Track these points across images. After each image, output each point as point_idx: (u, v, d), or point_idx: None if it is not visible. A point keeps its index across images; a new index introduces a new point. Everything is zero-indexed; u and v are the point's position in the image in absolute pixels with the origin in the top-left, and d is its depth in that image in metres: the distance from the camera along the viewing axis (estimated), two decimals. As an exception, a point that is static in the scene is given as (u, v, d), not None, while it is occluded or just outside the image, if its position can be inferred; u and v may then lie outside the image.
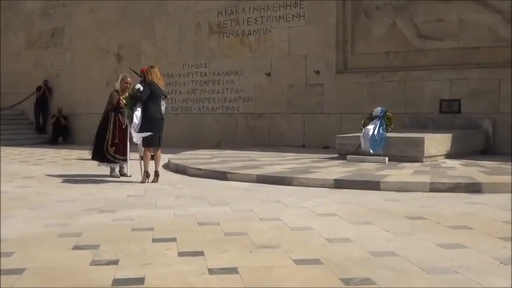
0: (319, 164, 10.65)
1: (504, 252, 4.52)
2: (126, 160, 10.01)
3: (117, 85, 10.07)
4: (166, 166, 11.55)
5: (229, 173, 9.63)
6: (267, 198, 7.52)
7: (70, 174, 10.35)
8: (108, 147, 9.80)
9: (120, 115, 9.84)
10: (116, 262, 4.31)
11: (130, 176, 9.92)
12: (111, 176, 9.96)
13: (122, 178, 9.83)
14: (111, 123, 9.83)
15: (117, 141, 9.82)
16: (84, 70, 19.32)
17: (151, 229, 5.49)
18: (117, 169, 10.07)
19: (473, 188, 7.92)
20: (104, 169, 10.11)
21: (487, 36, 13.26)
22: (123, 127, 9.83)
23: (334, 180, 8.53)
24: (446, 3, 13.71)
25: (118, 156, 9.90)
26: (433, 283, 3.79)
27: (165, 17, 17.76)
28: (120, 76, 10.22)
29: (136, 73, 13.55)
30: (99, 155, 9.96)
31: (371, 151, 10.58)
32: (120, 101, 9.76)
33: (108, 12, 18.88)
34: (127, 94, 9.63)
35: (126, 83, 9.99)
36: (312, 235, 5.24)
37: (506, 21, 13.03)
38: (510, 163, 10.45)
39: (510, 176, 8.66)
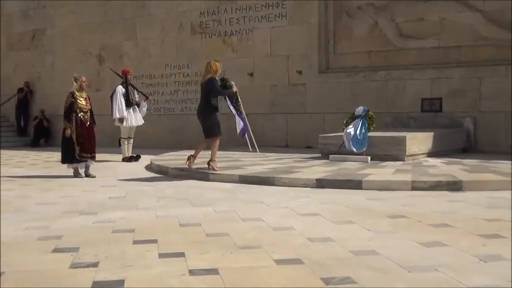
0: (302, 163, 10.65)
1: (484, 250, 4.54)
2: (93, 158, 10.23)
3: (75, 86, 10.19)
4: (149, 167, 11.52)
5: (212, 173, 9.60)
6: (249, 198, 7.51)
7: (51, 177, 10.28)
8: (75, 147, 9.92)
9: (82, 113, 10.06)
10: (95, 265, 4.28)
11: (94, 176, 9.98)
12: (75, 176, 10.02)
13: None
14: (73, 124, 9.98)
15: (81, 140, 9.99)
16: (66, 72, 19.09)
17: (132, 231, 5.46)
18: (81, 170, 10.14)
19: (455, 186, 7.96)
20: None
21: (468, 35, 13.34)
22: (86, 125, 10.10)
23: (317, 180, 8.53)
24: (427, 2, 13.78)
25: (84, 155, 10.07)
26: (414, 282, 3.79)
27: (147, 18, 17.70)
28: (74, 77, 10.29)
29: (118, 74, 13.57)
30: (68, 157, 10.06)
31: (354, 150, 10.59)
32: (78, 102, 10.03)
33: (89, 14, 18.76)
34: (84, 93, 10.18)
35: (84, 82, 10.25)
36: (294, 235, 5.23)
37: (487, 20, 13.11)
38: (491, 161, 10.52)
39: (491, 174, 8.72)
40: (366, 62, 14.56)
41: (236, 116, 10.84)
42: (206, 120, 9.72)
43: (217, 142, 9.82)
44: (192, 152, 9.97)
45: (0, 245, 4.85)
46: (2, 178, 9.93)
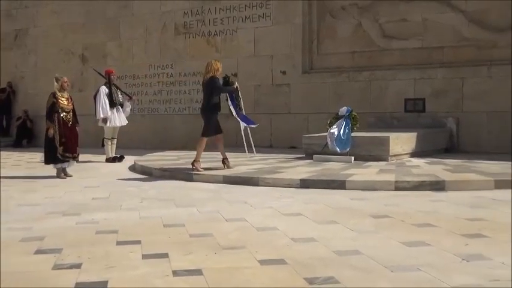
0: (286, 164, 10.67)
1: (466, 249, 4.57)
2: (76, 158, 10.29)
3: (56, 87, 10.23)
4: (132, 168, 11.49)
5: (196, 174, 9.60)
6: (233, 199, 7.51)
7: (34, 177, 10.23)
8: (58, 147, 9.94)
9: (64, 113, 10.11)
10: (78, 266, 4.27)
11: (71, 176, 10.04)
12: (58, 177, 10.02)
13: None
14: (56, 124, 10.00)
15: (64, 139, 10.02)
16: (49, 72, 18.98)
17: (116, 232, 5.44)
18: (66, 169, 10.18)
19: (437, 186, 8.01)
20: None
21: (451, 36, 13.42)
22: (69, 125, 10.14)
23: (301, 180, 8.55)
24: (410, 3, 13.85)
25: (67, 155, 10.11)
26: (397, 281, 3.81)
27: (130, 18, 17.64)
28: (56, 78, 10.32)
29: (101, 74, 13.52)
30: (51, 158, 10.04)
31: (338, 150, 10.62)
32: (60, 102, 10.08)
33: (72, 14, 18.66)
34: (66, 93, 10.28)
35: (65, 82, 10.30)
36: (278, 235, 5.24)
37: (469, 21, 13.20)
38: (474, 161, 10.60)
39: (473, 174, 8.78)
40: (349, 62, 14.60)
41: (236, 116, 10.88)
42: (205, 120, 9.93)
43: (204, 143, 9.92)
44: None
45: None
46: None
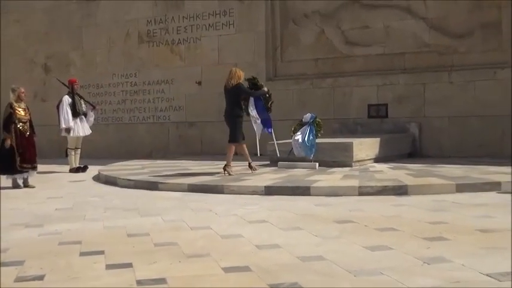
0: (251, 171, 10.68)
1: (428, 252, 4.64)
2: (34, 169, 10.25)
3: (12, 98, 10.22)
4: (97, 178, 11.41)
5: (161, 183, 9.57)
6: (198, 207, 7.51)
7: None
8: (15, 158, 9.91)
9: (21, 124, 10.10)
10: (41, 278, 4.22)
11: (34, 187, 9.94)
12: (14, 187, 9.98)
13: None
14: (13, 134, 9.97)
15: (21, 150, 9.99)
16: (11, 82, 18.77)
17: (79, 242, 5.40)
18: (20, 180, 10.07)
19: (400, 190, 8.11)
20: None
21: (412, 42, 13.62)
22: (26, 136, 10.13)
23: (265, 187, 8.58)
24: (372, 10, 14.02)
25: (25, 165, 10.06)
26: (359, 285, 3.86)
27: (93, 27, 17.53)
28: (12, 88, 10.33)
29: (64, 84, 13.39)
30: (6, 168, 10.00)
31: (302, 157, 10.68)
32: (16, 112, 10.09)
33: (35, 23, 18.44)
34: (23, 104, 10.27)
35: (22, 92, 10.29)
36: (242, 242, 5.26)
37: (430, 28, 13.41)
38: (435, 165, 10.75)
39: (434, 178, 8.91)
40: (313, 69, 14.71)
41: (255, 122, 10.66)
42: (234, 128, 10.28)
43: (233, 149, 10.32)
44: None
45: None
46: None
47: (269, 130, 10.98)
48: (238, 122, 10.30)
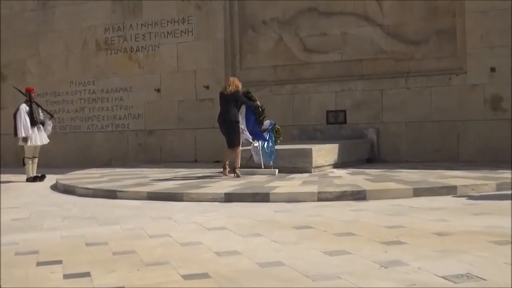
0: (211, 178, 10.70)
1: (385, 256, 4.69)
2: None
3: None
4: (54, 187, 11.27)
5: (119, 191, 9.49)
6: (158, 215, 7.47)
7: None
8: None
9: None
10: (-3, 289, 4.16)
11: None
12: None
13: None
14: None
15: None
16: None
17: (36, 252, 5.32)
18: None
19: (359, 195, 8.19)
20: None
21: (369, 49, 13.80)
22: None
23: (225, 194, 8.58)
24: (330, 17, 14.17)
25: None
26: (318, 290, 3.89)
27: (50, 34, 17.36)
28: None
29: (21, 92, 13.21)
30: None
31: (262, 163, 10.74)
32: None
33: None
34: None
35: None
36: (202, 250, 5.25)
37: (386, 34, 13.60)
38: (393, 170, 10.90)
39: (392, 183, 9.02)
40: (271, 76, 14.79)
41: (242, 132, 10.81)
42: (232, 131, 10.68)
43: (240, 150, 10.74)
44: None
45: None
46: None
47: (251, 140, 11.09)
48: (237, 127, 10.70)
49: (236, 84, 10.83)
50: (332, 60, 14.17)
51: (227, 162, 10.94)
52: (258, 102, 11.09)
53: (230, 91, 10.72)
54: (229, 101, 10.73)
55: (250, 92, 11.32)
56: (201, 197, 8.67)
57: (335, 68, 14.12)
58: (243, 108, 10.96)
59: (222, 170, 11.07)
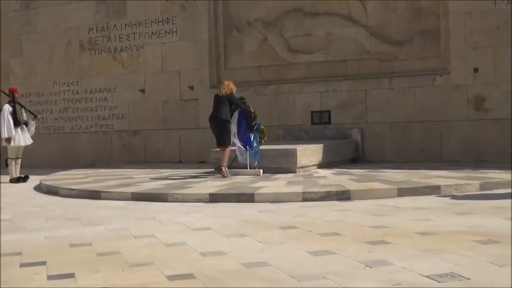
0: (195, 179, 10.68)
1: (370, 256, 4.70)
2: None
3: None
4: (38, 188, 11.20)
5: (104, 191, 9.45)
6: (142, 215, 7.45)
7: None
8: None
9: None
10: (-20, 290, 4.13)
11: None
12: None
13: None
14: None
15: None
16: None
17: (20, 254, 5.28)
18: None
19: (343, 195, 8.21)
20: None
21: (353, 49, 13.85)
22: None
23: (210, 194, 8.57)
24: (314, 18, 14.20)
25: None
26: (303, 290, 3.89)
27: (33, 34, 17.25)
28: None
29: (4, 92, 13.14)
30: None
31: (247, 164, 10.74)
32: None
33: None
34: None
35: None
36: (186, 250, 5.24)
37: (371, 35, 13.66)
38: (378, 170, 10.94)
39: (376, 183, 9.06)
40: (256, 76, 14.80)
41: (236, 137, 10.81)
42: (224, 131, 10.77)
43: (229, 150, 10.82)
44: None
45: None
46: None
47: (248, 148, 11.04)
48: (227, 126, 10.78)
49: (231, 87, 11.01)
50: (317, 60, 14.20)
51: (223, 163, 10.88)
52: (252, 109, 11.12)
53: (225, 93, 10.89)
54: (223, 102, 10.85)
55: (244, 99, 11.37)
56: (185, 197, 8.65)
57: (319, 68, 14.15)
58: (236, 114, 10.95)
59: (212, 170, 11.06)
